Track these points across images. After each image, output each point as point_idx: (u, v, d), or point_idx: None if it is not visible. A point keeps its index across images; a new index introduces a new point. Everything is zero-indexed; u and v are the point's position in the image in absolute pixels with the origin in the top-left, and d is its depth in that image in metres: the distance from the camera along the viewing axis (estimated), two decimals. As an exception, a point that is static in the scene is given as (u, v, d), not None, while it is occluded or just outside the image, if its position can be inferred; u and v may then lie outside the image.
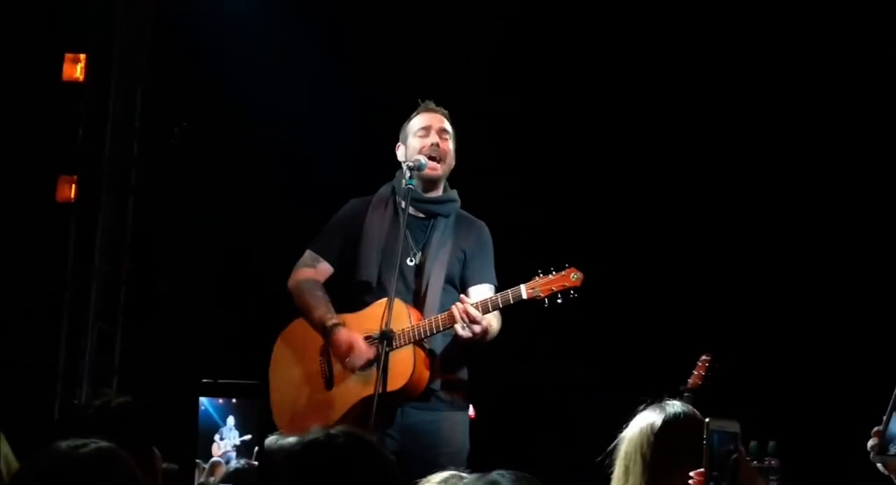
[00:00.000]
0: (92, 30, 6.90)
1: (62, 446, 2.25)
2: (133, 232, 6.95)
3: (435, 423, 4.64)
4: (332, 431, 2.27)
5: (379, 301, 4.60)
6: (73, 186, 6.86)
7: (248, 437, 1.58)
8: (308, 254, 4.87)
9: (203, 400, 1.53)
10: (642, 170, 6.47)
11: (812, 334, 6.20)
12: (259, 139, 6.75)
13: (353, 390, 4.61)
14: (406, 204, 4.58)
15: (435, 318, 4.54)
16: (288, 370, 4.80)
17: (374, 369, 4.48)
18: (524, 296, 4.49)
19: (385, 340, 4.38)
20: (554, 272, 4.52)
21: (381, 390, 4.31)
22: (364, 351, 4.58)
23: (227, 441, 1.56)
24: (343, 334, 4.62)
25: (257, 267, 6.46)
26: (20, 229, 6.70)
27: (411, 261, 4.69)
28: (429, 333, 4.54)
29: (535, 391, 6.60)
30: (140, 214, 6.97)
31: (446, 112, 4.85)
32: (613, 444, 2.90)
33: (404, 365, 4.53)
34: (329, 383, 4.70)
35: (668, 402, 2.89)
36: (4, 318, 6.69)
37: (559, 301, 4.51)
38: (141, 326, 6.92)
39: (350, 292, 4.79)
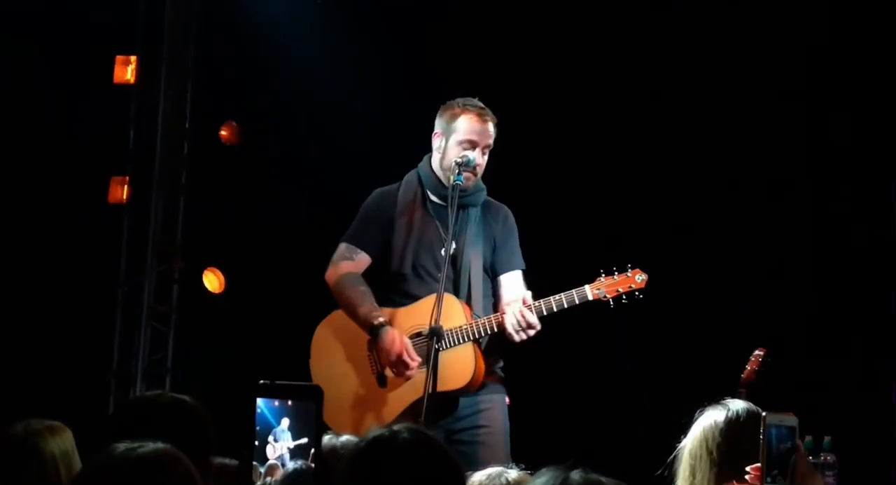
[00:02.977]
0: (140, 31, 6.94)
1: (119, 448, 2.22)
2: (184, 232, 7.00)
3: (475, 405, 4.60)
4: (396, 427, 2.22)
5: (430, 296, 4.51)
6: (125, 186, 6.91)
7: (303, 440, 1.55)
8: (344, 246, 4.75)
9: (259, 401, 1.51)
10: (688, 163, 6.40)
11: (863, 328, 6.13)
12: (309, 137, 6.75)
13: (410, 387, 4.53)
14: (454, 200, 4.45)
15: (489, 319, 4.51)
16: (334, 364, 4.69)
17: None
18: (590, 297, 4.48)
19: (434, 337, 4.30)
20: (617, 273, 4.51)
21: (431, 390, 4.25)
22: (412, 358, 4.51)
23: (281, 444, 1.53)
24: (389, 337, 4.52)
25: (309, 266, 6.46)
26: (73, 230, 6.76)
27: (444, 251, 4.55)
28: (483, 334, 4.51)
29: (582, 386, 6.55)
30: (191, 214, 7.00)
31: (496, 120, 4.66)
32: (673, 455, 2.91)
33: (465, 363, 4.49)
34: (381, 379, 4.63)
35: (729, 400, 2.95)
36: (58, 318, 6.74)
37: (624, 302, 4.50)
38: (193, 327, 6.96)
39: (383, 283, 4.71)
